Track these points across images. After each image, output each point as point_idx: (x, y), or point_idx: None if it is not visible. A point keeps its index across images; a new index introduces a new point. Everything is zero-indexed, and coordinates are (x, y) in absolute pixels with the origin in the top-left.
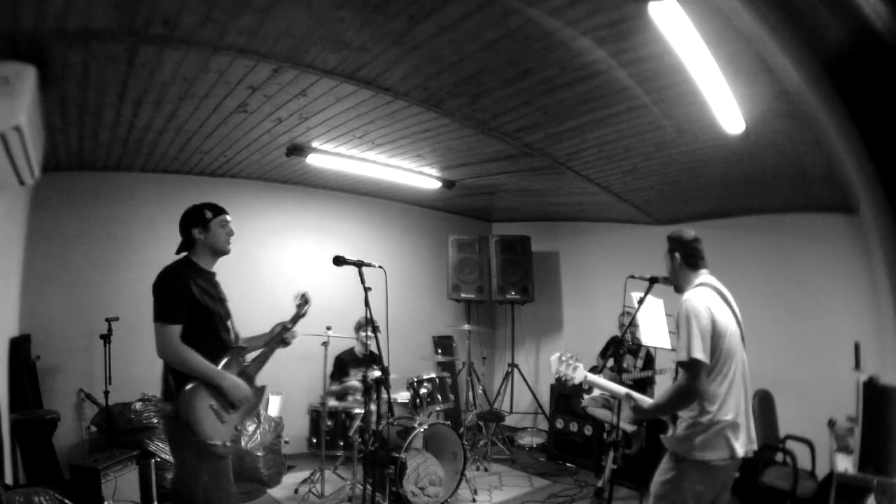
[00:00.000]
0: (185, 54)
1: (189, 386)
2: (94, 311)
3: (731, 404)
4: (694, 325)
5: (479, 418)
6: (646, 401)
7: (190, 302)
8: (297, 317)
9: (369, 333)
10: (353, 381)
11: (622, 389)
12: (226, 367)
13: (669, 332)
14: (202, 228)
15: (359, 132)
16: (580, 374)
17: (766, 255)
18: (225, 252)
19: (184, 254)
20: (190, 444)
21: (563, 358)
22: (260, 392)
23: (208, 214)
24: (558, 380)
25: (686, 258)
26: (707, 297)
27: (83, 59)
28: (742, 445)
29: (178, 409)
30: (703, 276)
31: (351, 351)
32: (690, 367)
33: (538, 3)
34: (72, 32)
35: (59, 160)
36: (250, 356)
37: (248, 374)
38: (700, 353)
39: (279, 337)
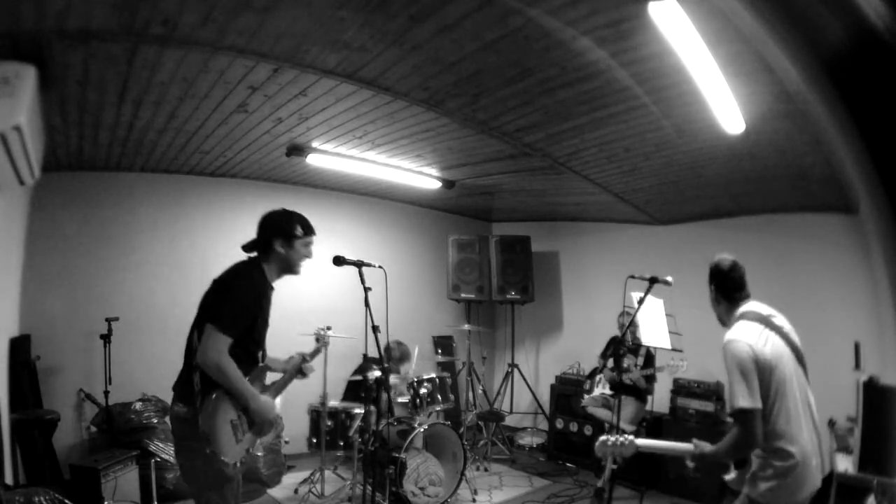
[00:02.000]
0: (185, 54)
1: (215, 394)
2: (94, 311)
3: (803, 437)
4: (736, 372)
5: (479, 418)
6: (706, 447)
7: (252, 317)
8: (316, 352)
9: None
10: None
11: (685, 445)
12: (250, 381)
13: (670, 332)
14: (285, 242)
15: (359, 132)
16: (631, 448)
17: (766, 255)
18: (296, 274)
19: (254, 256)
20: (202, 455)
21: (610, 442)
22: (277, 421)
23: (298, 231)
24: (608, 459)
25: (722, 291)
26: (746, 333)
27: (83, 59)
28: (819, 475)
29: (201, 416)
30: (746, 306)
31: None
32: (738, 417)
33: (538, 3)
34: (72, 32)
35: (59, 160)
36: (270, 379)
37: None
38: (745, 402)
39: (298, 367)
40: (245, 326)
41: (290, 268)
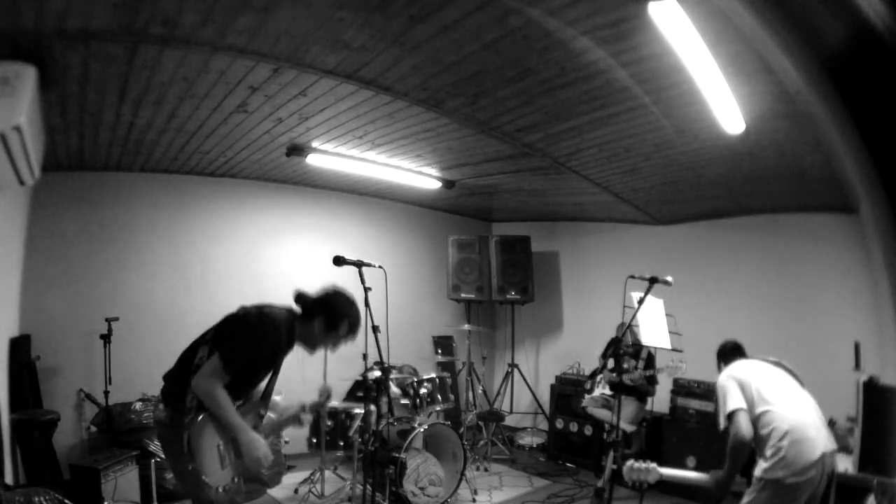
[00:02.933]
0: (185, 54)
1: (201, 417)
2: (94, 311)
3: (791, 415)
4: (720, 394)
5: (479, 418)
6: (719, 473)
7: (258, 365)
8: (316, 406)
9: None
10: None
11: (704, 476)
12: (242, 413)
13: (670, 332)
14: (326, 328)
15: (359, 132)
16: (654, 475)
17: (766, 255)
18: (311, 352)
19: (296, 311)
20: (185, 470)
21: (636, 466)
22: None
23: (343, 329)
24: (633, 484)
25: (723, 359)
26: (732, 366)
27: (83, 59)
28: (818, 446)
29: (185, 434)
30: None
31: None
32: (731, 419)
33: (538, 3)
34: (72, 32)
35: (59, 160)
36: (267, 418)
37: (261, 433)
38: (732, 405)
39: (296, 416)
40: (247, 370)
41: (311, 345)
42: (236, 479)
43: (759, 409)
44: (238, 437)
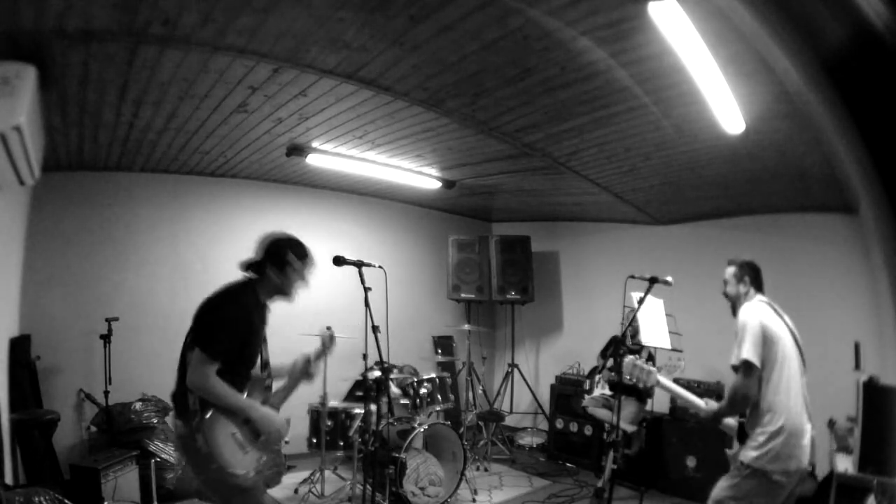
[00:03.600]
0: (185, 54)
1: (210, 413)
2: (94, 311)
3: (793, 411)
4: (748, 332)
5: (479, 418)
6: (715, 405)
7: (240, 340)
8: (322, 353)
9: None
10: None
11: (699, 401)
12: (248, 393)
13: (670, 332)
14: (279, 269)
15: (359, 132)
16: (653, 379)
17: (766, 255)
18: (289, 299)
19: (249, 276)
20: (211, 470)
21: (639, 364)
22: (286, 424)
23: (291, 258)
24: (630, 378)
25: (754, 280)
26: (761, 310)
27: (83, 59)
28: (806, 455)
29: (199, 435)
30: (760, 296)
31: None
32: (742, 367)
33: (538, 3)
34: (72, 32)
35: (59, 160)
36: (276, 386)
37: (272, 405)
38: (751, 356)
39: (304, 369)
40: (233, 349)
41: (281, 293)
42: (263, 458)
43: (771, 384)
44: (249, 415)
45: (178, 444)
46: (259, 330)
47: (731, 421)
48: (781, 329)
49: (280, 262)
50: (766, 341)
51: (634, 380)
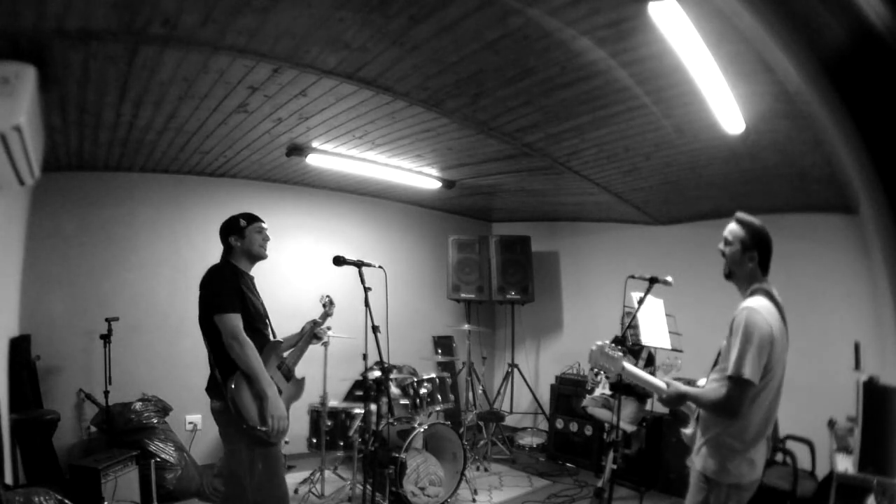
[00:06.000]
0: (185, 54)
1: (233, 378)
2: (94, 311)
3: (766, 429)
4: (754, 343)
5: (479, 418)
6: (681, 387)
7: (240, 295)
8: (326, 315)
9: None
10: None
11: (660, 382)
12: (265, 358)
13: (670, 332)
14: (238, 236)
15: (359, 132)
16: (618, 366)
17: None
18: (261, 256)
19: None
20: (242, 432)
21: (607, 350)
22: (300, 383)
23: (242, 223)
24: (594, 369)
25: (762, 257)
26: (768, 311)
27: (83, 59)
28: (764, 458)
29: (228, 400)
30: (763, 281)
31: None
32: (739, 384)
33: (538, 3)
34: (72, 32)
35: (59, 160)
36: (287, 351)
37: (287, 366)
38: (751, 374)
39: (311, 332)
40: (240, 302)
41: (252, 253)
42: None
43: (756, 397)
44: (263, 389)
45: (216, 419)
46: (252, 290)
47: (692, 404)
48: (781, 329)
49: (236, 229)
50: (772, 344)
51: (599, 370)
